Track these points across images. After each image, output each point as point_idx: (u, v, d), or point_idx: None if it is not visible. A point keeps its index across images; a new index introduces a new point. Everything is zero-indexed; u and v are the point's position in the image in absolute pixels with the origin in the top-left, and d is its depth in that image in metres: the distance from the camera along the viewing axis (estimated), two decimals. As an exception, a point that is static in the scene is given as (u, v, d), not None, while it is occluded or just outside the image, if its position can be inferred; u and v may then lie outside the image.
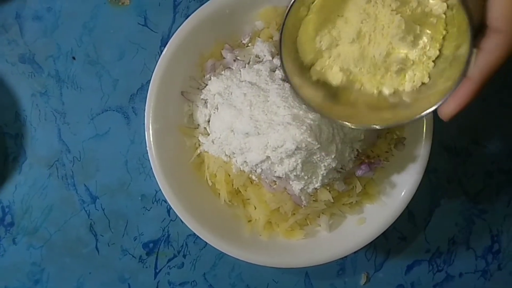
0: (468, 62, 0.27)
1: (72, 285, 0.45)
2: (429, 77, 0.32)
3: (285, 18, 0.30)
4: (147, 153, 0.39)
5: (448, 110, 0.28)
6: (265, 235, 0.40)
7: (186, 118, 0.41)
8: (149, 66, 0.44)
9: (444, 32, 0.31)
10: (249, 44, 0.41)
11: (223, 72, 0.40)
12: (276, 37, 0.40)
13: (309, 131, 0.34)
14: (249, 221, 0.41)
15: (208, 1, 0.39)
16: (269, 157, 0.36)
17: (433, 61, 0.32)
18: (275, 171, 0.36)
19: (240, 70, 0.39)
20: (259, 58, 0.40)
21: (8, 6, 0.43)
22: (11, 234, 0.44)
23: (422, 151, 0.39)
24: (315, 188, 0.38)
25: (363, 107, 0.33)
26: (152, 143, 0.39)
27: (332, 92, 0.34)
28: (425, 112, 0.30)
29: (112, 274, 0.45)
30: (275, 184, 0.38)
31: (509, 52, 0.27)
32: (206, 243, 0.39)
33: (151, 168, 0.39)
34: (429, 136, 0.39)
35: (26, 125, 0.44)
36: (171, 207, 0.39)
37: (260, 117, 0.36)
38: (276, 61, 0.39)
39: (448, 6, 0.30)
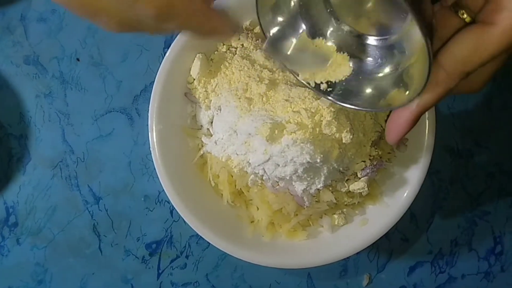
0: (412, 100, 0.28)
1: (75, 286, 0.45)
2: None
3: None
4: (151, 154, 0.39)
5: (391, 138, 0.31)
6: (268, 236, 0.40)
7: (189, 119, 0.41)
8: (153, 68, 0.44)
9: None
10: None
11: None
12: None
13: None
14: (252, 221, 0.41)
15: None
16: (272, 158, 0.36)
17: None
18: (278, 172, 0.37)
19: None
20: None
21: (13, 8, 0.44)
22: (15, 235, 0.44)
23: (425, 152, 0.40)
24: (318, 189, 0.38)
25: None
26: (155, 144, 0.39)
27: None
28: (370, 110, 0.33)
29: (115, 274, 0.45)
30: (278, 184, 0.38)
31: (447, 93, 0.28)
32: (209, 243, 0.40)
33: (154, 169, 0.39)
34: (432, 138, 0.40)
35: (30, 126, 0.44)
36: (174, 208, 0.40)
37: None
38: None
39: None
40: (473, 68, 0.27)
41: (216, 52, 0.41)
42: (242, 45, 0.40)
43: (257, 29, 0.40)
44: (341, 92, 0.33)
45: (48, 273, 0.45)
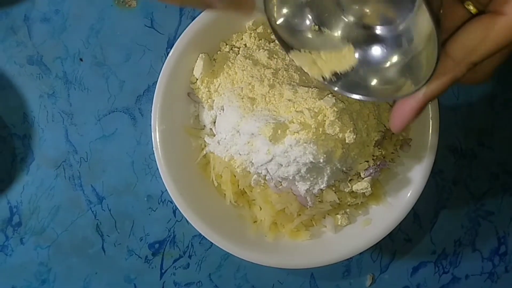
0: (419, 89, 0.28)
1: (78, 285, 0.45)
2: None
3: None
4: (153, 154, 0.39)
5: (395, 125, 0.30)
6: (271, 236, 0.40)
7: (192, 119, 0.41)
8: (156, 68, 0.44)
9: None
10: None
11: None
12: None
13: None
14: (255, 222, 0.41)
15: (214, 3, 0.39)
16: (275, 158, 0.36)
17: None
18: (281, 172, 0.37)
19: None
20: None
21: (17, 8, 0.44)
22: (18, 234, 0.44)
23: (428, 152, 0.39)
24: (321, 189, 0.38)
25: None
26: (158, 144, 0.39)
27: None
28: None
29: (118, 274, 0.45)
30: (281, 184, 0.38)
31: (453, 83, 0.27)
32: (212, 243, 0.40)
33: (157, 169, 0.39)
34: (435, 138, 0.39)
35: (34, 126, 0.44)
36: (177, 208, 0.40)
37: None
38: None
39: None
40: (481, 58, 0.27)
41: (219, 52, 0.41)
42: (245, 45, 0.40)
43: (260, 29, 0.40)
44: (348, 83, 0.32)
45: (51, 273, 0.45)
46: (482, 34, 0.26)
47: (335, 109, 0.35)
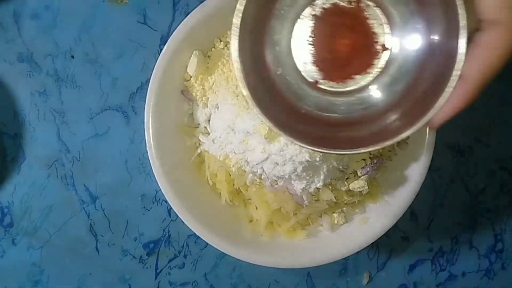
0: (463, 60, 0.25)
1: (72, 286, 0.44)
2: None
3: None
4: (147, 152, 0.39)
5: (438, 118, 0.26)
6: (267, 235, 0.40)
7: (186, 117, 0.41)
8: (149, 65, 0.43)
9: None
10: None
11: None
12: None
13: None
14: (251, 221, 0.41)
15: (208, -1, 0.38)
16: (270, 156, 0.35)
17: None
18: (276, 171, 0.36)
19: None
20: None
21: (6, 4, 0.43)
22: (10, 235, 0.44)
23: (425, 150, 0.39)
24: (317, 188, 0.37)
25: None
26: (152, 142, 0.38)
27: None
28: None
29: (113, 274, 0.45)
30: (277, 183, 0.38)
31: (470, 104, 0.25)
32: (207, 243, 0.39)
33: (151, 168, 0.39)
34: (432, 135, 0.39)
35: (25, 125, 0.43)
36: (171, 207, 0.39)
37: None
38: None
39: None
40: (495, 76, 0.25)
41: (213, 49, 0.40)
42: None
43: None
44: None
45: (44, 274, 0.44)
46: (490, 52, 0.25)
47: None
